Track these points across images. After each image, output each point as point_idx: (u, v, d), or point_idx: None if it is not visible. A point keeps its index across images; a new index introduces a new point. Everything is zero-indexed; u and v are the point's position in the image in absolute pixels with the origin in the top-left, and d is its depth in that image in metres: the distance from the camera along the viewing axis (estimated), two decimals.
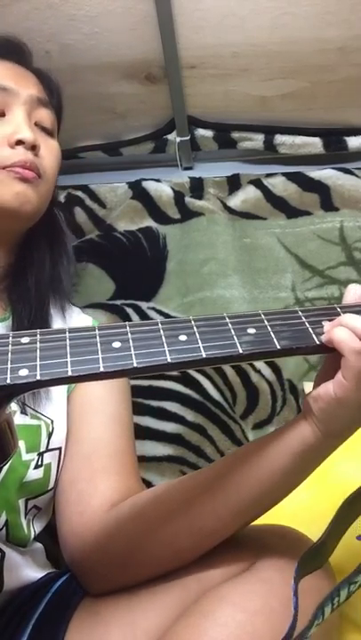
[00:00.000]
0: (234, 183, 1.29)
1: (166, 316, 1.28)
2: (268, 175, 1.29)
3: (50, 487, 0.83)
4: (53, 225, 0.97)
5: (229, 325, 0.59)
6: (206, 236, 1.27)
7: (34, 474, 0.81)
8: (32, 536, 0.84)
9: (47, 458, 0.83)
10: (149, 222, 1.28)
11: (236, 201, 1.28)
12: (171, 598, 0.71)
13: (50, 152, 0.90)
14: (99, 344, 0.55)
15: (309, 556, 0.64)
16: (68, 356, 0.54)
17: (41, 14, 1.02)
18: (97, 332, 0.56)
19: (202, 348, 0.56)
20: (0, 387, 0.54)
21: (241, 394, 1.27)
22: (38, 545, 0.87)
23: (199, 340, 0.57)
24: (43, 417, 0.83)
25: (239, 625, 0.61)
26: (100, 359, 0.54)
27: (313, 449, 0.65)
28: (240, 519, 0.70)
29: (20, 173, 0.83)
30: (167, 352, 0.55)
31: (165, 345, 0.55)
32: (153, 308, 1.28)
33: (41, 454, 0.82)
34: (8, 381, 0.53)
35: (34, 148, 0.85)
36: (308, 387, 1.27)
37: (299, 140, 1.25)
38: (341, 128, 1.26)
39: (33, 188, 0.85)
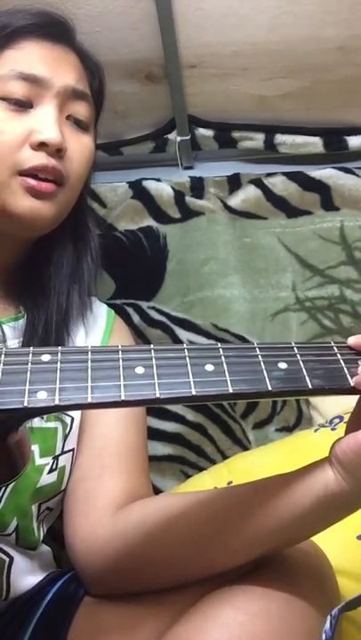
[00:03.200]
0: (234, 183, 1.28)
1: (167, 315, 1.28)
2: (269, 175, 1.28)
3: (63, 488, 0.83)
4: (79, 222, 0.88)
5: (260, 358, 0.55)
6: (207, 236, 1.27)
7: (48, 478, 0.80)
8: (41, 538, 0.84)
9: (62, 461, 0.82)
10: (150, 222, 1.27)
11: (236, 200, 1.28)
12: (172, 602, 0.70)
13: (80, 151, 0.81)
14: (121, 369, 0.53)
15: (353, 606, 0.65)
16: (89, 380, 0.52)
17: None
18: (120, 354, 0.54)
19: (229, 382, 0.53)
20: (16, 409, 0.51)
21: None
22: (46, 548, 0.87)
23: (227, 373, 0.53)
24: (64, 415, 0.82)
25: (240, 626, 0.61)
26: (122, 387, 0.52)
27: (337, 499, 0.60)
28: (253, 553, 0.67)
29: (33, 188, 0.75)
30: (192, 383, 0.52)
31: (191, 375, 0.53)
32: (153, 308, 1.28)
33: (56, 458, 0.81)
34: (25, 404, 0.51)
35: (59, 150, 0.76)
36: None
37: (299, 139, 1.25)
38: (342, 127, 1.25)
39: (50, 201, 0.77)
